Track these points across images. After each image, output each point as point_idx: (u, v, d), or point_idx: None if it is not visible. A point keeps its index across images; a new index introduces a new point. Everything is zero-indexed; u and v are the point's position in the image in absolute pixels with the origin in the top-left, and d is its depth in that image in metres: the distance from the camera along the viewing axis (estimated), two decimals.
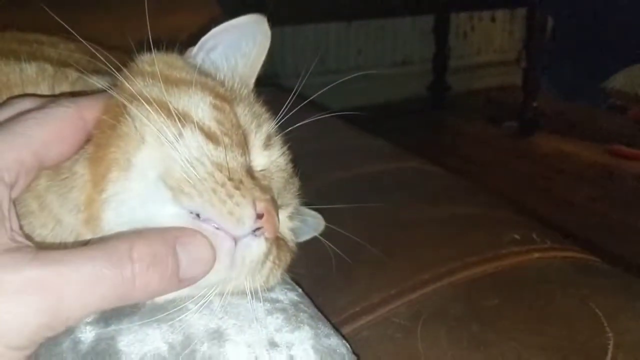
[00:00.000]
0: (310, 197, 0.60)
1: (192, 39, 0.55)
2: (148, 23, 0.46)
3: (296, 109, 0.53)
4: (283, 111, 0.53)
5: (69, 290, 0.34)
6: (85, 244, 0.42)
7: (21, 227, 0.39)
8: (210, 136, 0.44)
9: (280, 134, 0.54)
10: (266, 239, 0.44)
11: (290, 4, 2.62)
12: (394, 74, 3.52)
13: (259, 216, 0.43)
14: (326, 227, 0.62)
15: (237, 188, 0.42)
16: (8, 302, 0.33)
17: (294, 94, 0.54)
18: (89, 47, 0.45)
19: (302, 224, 0.59)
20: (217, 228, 0.41)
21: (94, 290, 0.35)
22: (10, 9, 0.97)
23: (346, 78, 0.71)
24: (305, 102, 0.57)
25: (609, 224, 2.11)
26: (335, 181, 0.85)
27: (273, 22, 0.55)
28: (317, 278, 0.63)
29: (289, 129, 0.54)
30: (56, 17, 0.49)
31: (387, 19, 3.47)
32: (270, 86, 0.57)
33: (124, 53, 0.51)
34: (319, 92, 0.60)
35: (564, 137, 2.92)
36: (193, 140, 0.43)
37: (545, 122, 2.99)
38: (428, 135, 3.09)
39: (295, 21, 2.96)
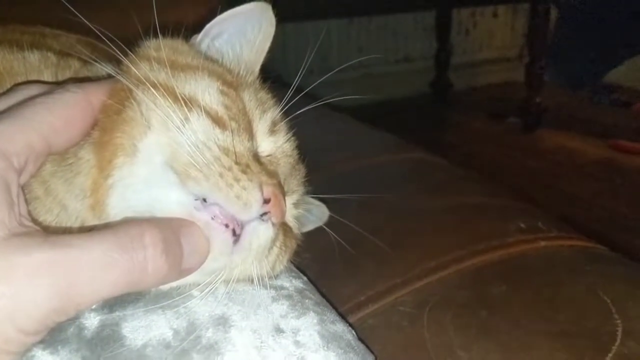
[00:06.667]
0: (316, 187, 0.59)
1: (196, 29, 0.54)
2: (154, 10, 0.46)
3: (296, 98, 0.53)
4: (284, 101, 0.53)
5: (79, 273, 0.34)
6: (91, 229, 0.42)
7: (29, 212, 0.39)
8: (217, 121, 0.44)
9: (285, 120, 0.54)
10: (273, 224, 0.44)
11: (291, 0, 2.61)
12: (395, 71, 3.52)
13: (266, 201, 0.42)
14: (331, 217, 0.62)
15: (244, 172, 0.42)
16: (19, 285, 0.32)
17: (293, 87, 0.54)
18: (95, 30, 0.45)
19: (306, 212, 0.58)
20: (213, 218, 0.40)
21: (105, 275, 0.34)
22: (13, 2, 0.96)
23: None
24: (304, 91, 0.56)
25: (614, 218, 2.10)
26: (341, 172, 0.85)
27: None
28: (323, 268, 0.63)
29: (292, 115, 0.54)
30: (65, 3, 0.49)
31: (388, 15, 3.46)
32: (273, 83, 0.57)
33: (126, 44, 0.51)
34: (322, 90, 0.60)
35: (567, 133, 2.91)
36: (199, 125, 0.43)
37: (549, 117, 2.98)
38: (431, 132, 3.07)
39: (296, 18, 2.95)
